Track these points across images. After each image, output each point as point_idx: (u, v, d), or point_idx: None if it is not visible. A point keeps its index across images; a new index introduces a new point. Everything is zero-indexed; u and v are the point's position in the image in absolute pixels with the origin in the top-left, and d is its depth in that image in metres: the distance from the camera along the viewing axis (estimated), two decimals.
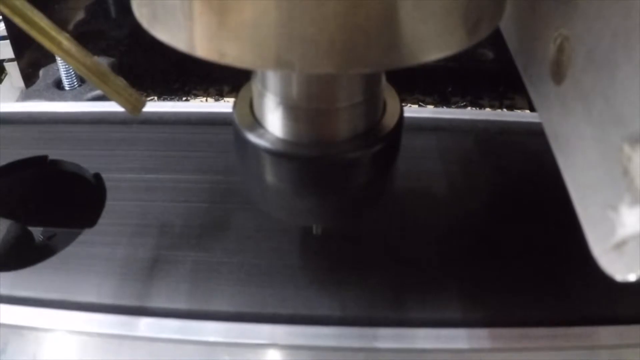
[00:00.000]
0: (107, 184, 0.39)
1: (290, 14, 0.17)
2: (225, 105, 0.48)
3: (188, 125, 0.45)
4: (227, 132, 0.41)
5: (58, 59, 0.57)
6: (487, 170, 0.40)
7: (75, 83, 0.59)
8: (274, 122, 0.26)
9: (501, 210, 0.37)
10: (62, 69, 0.58)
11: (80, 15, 0.68)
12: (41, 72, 0.63)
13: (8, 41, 0.72)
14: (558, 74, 0.22)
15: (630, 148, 0.16)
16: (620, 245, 0.16)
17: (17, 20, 0.26)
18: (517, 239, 0.35)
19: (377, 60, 0.18)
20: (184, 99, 0.71)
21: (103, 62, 0.63)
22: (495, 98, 0.68)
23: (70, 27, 0.67)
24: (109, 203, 0.38)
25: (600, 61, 0.19)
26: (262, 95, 0.26)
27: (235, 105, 0.28)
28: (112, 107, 0.44)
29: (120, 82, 0.30)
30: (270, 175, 0.27)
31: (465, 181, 0.39)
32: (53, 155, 0.42)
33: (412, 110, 0.49)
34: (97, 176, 0.40)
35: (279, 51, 0.18)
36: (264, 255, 0.34)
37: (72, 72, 0.59)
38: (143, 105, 0.31)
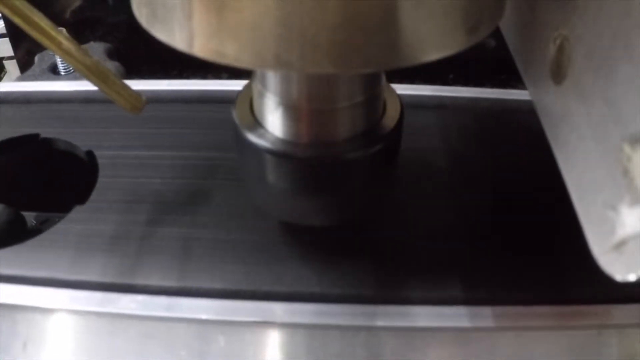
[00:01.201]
0: (100, 162, 0.38)
1: (290, 13, 0.17)
2: (220, 83, 0.47)
3: (183, 103, 0.45)
4: (221, 110, 0.41)
5: None
6: (490, 150, 0.39)
7: (71, 68, 0.59)
8: (274, 122, 0.26)
9: (504, 190, 0.36)
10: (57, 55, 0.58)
11: (77, 2, 0.68)
12: (36, 58, 0.62)
13: (6, 39, 0.72)
14: (558, 74, 0.22)
15: (630, 148, 0.16)
16: (620, 245, 0.16)
17: (17, 20, 0.26)
18: (522, 217, 0.34)
19: (377, 60, 0.18)
20: None
21: (99, 47, 0.63)
22: (497, 86, 0.67)
23: (67, 14, 0.67)
24: (101, 180, 0.37)
25: (600, 61, 0.19)
26: (262, 95, 0.26)
27: (235, 105, 0.28)
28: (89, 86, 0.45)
29: (120, 81, 0.30)
30: (270, 175, 0.27)
31: (466, 162, 0.38)
32: (45, 134, 0.41)
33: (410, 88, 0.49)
34: (90, 153, 0.39)
35: (278, 51, 0.18)
36: (259, 232, 0.33)
37: None
38: (143, 104, 0.31)
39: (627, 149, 0.17)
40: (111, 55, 0.64)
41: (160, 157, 0.39)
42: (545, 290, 0.30)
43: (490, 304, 0.29)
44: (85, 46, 0.63)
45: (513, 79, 0.65)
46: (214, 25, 0.18)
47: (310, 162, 0.26)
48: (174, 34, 0.19)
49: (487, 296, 0.30)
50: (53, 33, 0.27)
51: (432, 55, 0.19)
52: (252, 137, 0.26)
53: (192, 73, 0.70)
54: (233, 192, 0.36)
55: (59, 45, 0.27)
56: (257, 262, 0.32)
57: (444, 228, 0.33)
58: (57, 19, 0.67)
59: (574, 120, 0.21)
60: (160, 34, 0.20)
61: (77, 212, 0.35)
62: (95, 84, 0.29)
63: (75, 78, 0.57)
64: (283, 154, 0.26)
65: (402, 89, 0.39)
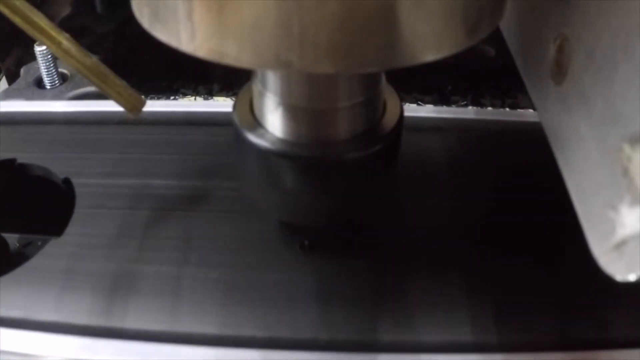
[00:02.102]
0: (77, 190, 0.36)
1: (290, 14, 0.17)
2: (209, 104, 0.45)
3: (167, 126, 0.42)
4: (209, 134, 0.40)
5: (39, 57, 0.56)
6: (492, 174, 0.37)
7: (57, 82, 0.58)
8: (274, 122, 0.26)
9: (512, 230, 0.33)
10: (42, 68, 0.57)
11: (65, 11, 0.66)
12: (22, 70, 0.61)
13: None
14: (558, 74, 0.22)
15: (630, 148, 0.16)
16: (620, 245, 0.16)
17: (17, 21, 0.26)
18: (530, 255, 0.32)
19: (376, 61, 0.18)
20: (172, 97, 0.69)
21: None
22: (497, 97, 0.65)
23: (56, 23, 0.66)
24: (78, 211, 0.35)
25: (600, 61, 0.19)
26: (262, 95, 0.26)
27: (235, 105, 0.28)
28: (86, 107, 0.44)
29: (120, 82, 0.30)
30: (270, 175, 0.27)
31: (469, 188, 0.36)
32: (23, 158, 0.39)
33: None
34: (67, 181, 0.37)
35: (278, 51, 0.18)
36: (244, 270, 0.31)
37: (53, 71, 0.57)
38: (143, 105, 0.32)
39: (627, 149, 0.17)
40: None
41: (140, 186, 0.37)
42: (556, 335, 0.28)
43: (498, 350, 0.28)
44: None
45: (513, 89, 0.64)
46: (214, 25, 0.18)
47: (310, 162, 0.26)
48: (174, 34, 0.19)
49: (493, 342, 0.28)
50: (53, 33, 0.27)
51: (432, 55, 0.19)
52: (252, 137, 0.26)
53: (182, 85, 0.68)
54: (220, 225, 0.34)
55: (59, 45, 0.27)
56: (241, 304, 0.30)
57: (449, 269, 0.31)
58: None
59: (574, 120, 0.21)
60: (161, 34, 0.20)
61: (52, 246, 0.33)
62: (95, 84, 0.29)
63: (61, 92, 0.57)
64: (283, 154, 0.26)
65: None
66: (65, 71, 0.59)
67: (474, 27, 0.19)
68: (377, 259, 0.32)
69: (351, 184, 0.27)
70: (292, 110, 0.25)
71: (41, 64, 0.57)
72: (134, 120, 0.40)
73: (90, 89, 0.58)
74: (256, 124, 0.27)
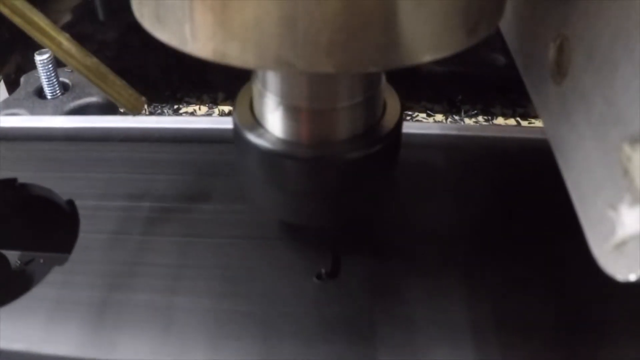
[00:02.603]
0: (81, 212, 0.35)
1: (291, 14, 0.17)
2: (218, 121, 0.42)
3: (175, 143, 0.40)
4: (219, 152, 0.38)
5: (39, 66, 0.55)
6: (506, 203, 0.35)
7: (58, 92, 0.57)
8: (274, 122, 0.26)
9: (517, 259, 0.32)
10: (43, 77, 0.56)
11: (66, 18, 0.65)
12: (22, 79, 0.60)
13: None
14: (558, 74, 0.22)
15: (630, 148, 0.16)
16: (621, 245, 0.16)
17: (17, 21, 0.26)
18: (535, 276, 0.31)
19: (376, 61, 0.18)
20: (175, 106, 0.66)
21: None
22: (507, 106, 0.64)
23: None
24: (82, 236, 0.33)
25: (600, 61, 0.19)
26: (262, 95, 0.26)
27: (235, 105, 0.28)
28: (89, 122, 0.42)
29: (120, 82, 0.30)
30: (270, 175, 0.27)
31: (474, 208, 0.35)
32: (24, 177, 0.37)
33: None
34: (71, 203, 0.36)
35: (279, 51, 0.18)
36: (256, 301, 0.30)
37: (54, 80, 0.56)
38: (143, 105, 0.32)
39: (627, 149, 0.17)
40: None
41: (147, 209, 0.35)
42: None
43: None
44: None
45: (523, 98, 0.63)
46: (214, 25, 0.18)
47: (310, 162, 0.26)
48: (175, 34, 0.19)
49: None
50: (53, 33, 0.27)
51: (432, 55, 0.19)
52: (252, 137, 0.26)
53: (186, 94, 0.67)
54: (231, 253, 0.32)
55: (59, 45, 0.27)
56: (253, 336, 0.28)
57: (456, 293, 0.30)
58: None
59: (574, 120, 0.21)
60: (162, 35, 0.20)
61: (56, 274, 0.31)
62: (95, 84, 0.29)
63: (62, 102, 0.56)
64: (283, 154, 0.26)
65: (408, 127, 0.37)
66: (66, 81, 0.59)
67: (474, 26, 0.19)
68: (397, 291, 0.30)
69: (351, 184, 0.27)
70: (292, 110, 0.25)
71: (42, 74, 0.56)
72: (139, 137, 0.40)
73: (92, 99, 0.57)
74: (256, 124, 0.27)
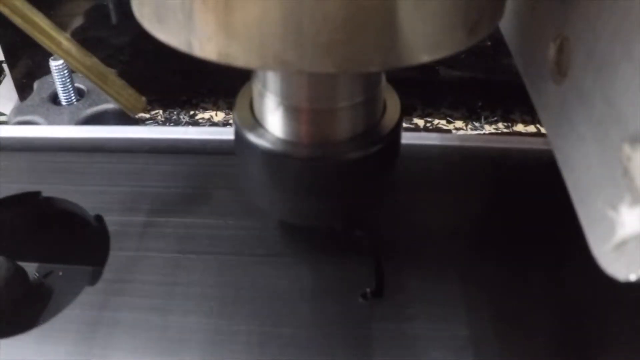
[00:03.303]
0: (110, 228, 0.33)
1: (291, 13, 0.17)
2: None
3: (203, 155, 0.38)
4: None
5: (53, 71, 0.53)
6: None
7: (73, 97, 0.55)
8: (274, 122, 0.26)
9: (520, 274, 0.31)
10: (58, 82, 0.54)
11: (78, 22, 0.63)
12: (35, 85, 0.59)
13: None
14: (558, 74, 0.22)
15: (630, 148, 0.16)
16: (621, 245, 0.16)
17: (17, 20, 0.26)
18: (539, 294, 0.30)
19: (376, 60, 0.18)
20: (191, 112, 0.65)
21: None
22: (527, 112, 0.63)
23: (68, 34, 0.64)
24: (113, 254, 0.32)
25: (600, 61, 0.19)
26: (262, 96, 0.26)
27: (235, 106, 0.28)
28: (113, 132, 0.41)
29: (120, 82, 0.30)
30: (270, 175, 0.27)
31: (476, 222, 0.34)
32: (48, 190, 0.36)
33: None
34: (99, 218, 0.34)
35: (279, 51, 0.18)
36: (287, 323, 0.28)
37: (69, 86, 0.55)
38: (143, 105, 0.32)
39: (627, 149, 0.17)
40: None
41: (176, 225, 0.33)
42: None
43: None
44: None
45: None
46: (215, 25, 0.18)
47: (310, 162, 0.26)
48: (175, 34, 0.19)
49: None
50: (53, 33, 0.27)
51: (432, 55, 0.19)
52: (252, 137, 0.26)
53: (202, 99, 0.65)
54: (266, 272, 0.31)
55: (59, 45, 0.27)
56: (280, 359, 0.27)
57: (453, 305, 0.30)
58: None
59: (574, 120, 0.21)
60: (161, 35, 0.20)
61: (87, 295, 0.30)
62: (95, 84, 0.29)
63: (78, 109, 0.54)
64: (283, 154, 0.26)
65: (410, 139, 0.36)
66: (81, 86, 0.57)
67: (474, 27, 0.19)
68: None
69: (351, 184, 0.27)
70: (292, 110, 0.25)
71: (57, 80, 0.54)
72: (166, 148, 0.38)
73: (109, 106, 0.55)
74: (256, 124, 0.27)
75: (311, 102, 0.25)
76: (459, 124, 0.62)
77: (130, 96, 0.31)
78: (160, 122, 0.64)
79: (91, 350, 0.28)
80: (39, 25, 0.26)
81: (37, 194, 0.36)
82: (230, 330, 0.28)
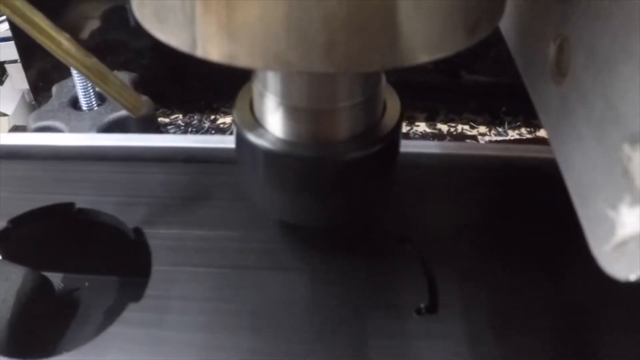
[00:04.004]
0: (151, 243, 0.32)
1: (291, 13, 0.17)
2: None
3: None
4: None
5: (74, 74, 0.52)
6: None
7: (94, 102, 0.54)
8: (274, 122, 0.26)
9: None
10: (79, 87, 0.53)
11: (95, 24, 0.61)
12: (54, 89, 0.57)
13: (8, 42, 0.70)
14: (558, 74, 0.22)
15: (630, 148, 0.16)
16: (621, 245, 0.16)
17: (17, 20, 0.26)
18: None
19: (376, 60, 0.18)
20: (212, 117, 0.64)
21: (125, 77, 0.57)
22: None
23: (85, 36, 0.61)
24: (156, 269, 0.31)
25: (600, 61, 0.19)
26: (262, 96, 0.26)
27: (235, 106, 0.28)
28: (146, 141, 0.39)
29: (120, 82, 0.30)
30: (270, 175, 0.27)
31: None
32: (80, 201, 0.35)
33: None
34: (138, 231, 0.33)
35: (278, 51, 0.18)
36: (357, 340, 0.27)
37: (91, 91, 0.53)
38: (143, 105, 0.32)
39: (627, 149, 0.17)
40: (138, 86, 0.57)
41: (221, 239, 0.32)
42: None
43: None
44: None
45: None
46: (215, 25, 0.18)
47: (310, 162, 0.26)
48: (175, 34, 0.19)
49: None
50: (53, 33, 0.27)
51: (432, 55, 0.19)
52: (252, 137, 0.26)
53: (222, 104, 0.64)
54: (319, 286, 0.30)
55: (59, 45, 0.27)
56: None
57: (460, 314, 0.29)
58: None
59: (574, 120, 0.21)
60: (161, 35, 0.20)
61: (132, 312, 0.29)
62: (95, 84, 0.29)
63: (100, 114, 0.53)
64: (283, 154, 0.26)
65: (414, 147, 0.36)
66: (102, 90, 0.56)
67: (474, 26, 0.19)
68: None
69: (351, 184, 0.27)
70: (292, 111, 0.25)
71: (78, 84, 0.53)
72: (205, 157, 0.37)
73: None
74: (256, 124, 0.27)
75: (311, 102, 0.25)
76: (482, 129, 0.62)
77: (130, 96, 0.31)
78: (182, 127, 0.63)
79: None
80: (39, 25, 0.26)
81: (70, 205, 0.35)
82: (280, 350, 0.28)
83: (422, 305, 0.29)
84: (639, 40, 0.16)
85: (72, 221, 0.35)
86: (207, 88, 0.63)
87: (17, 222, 0.34)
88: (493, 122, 0.63)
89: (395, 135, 0.27)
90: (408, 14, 0.18)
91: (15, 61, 0.72)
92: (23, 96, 0.77)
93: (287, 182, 0.27)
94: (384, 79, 0.27)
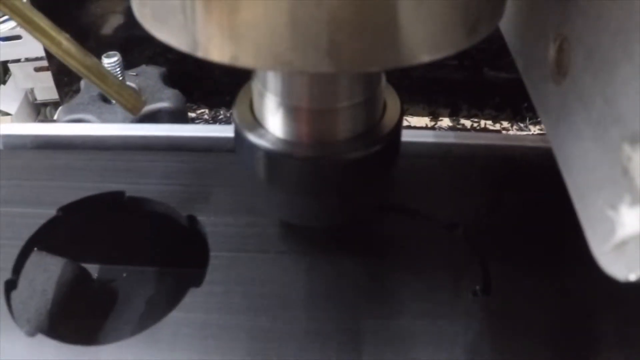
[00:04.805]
0: (208, 230, 0.33)
1: (291, 14, 0.17)
2: None
3: None
4: None
5: (105, 66, 0.54)
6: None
7: None
8: (274, 122, 0.26)
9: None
10: None
11: (121, 19, 0.61)
12: (83, 83, 0.58)
13: (11, 42, 0.70)
14: (558, 74, 0.22)
15: (630, 148, 0.16)
16: (621, 245, 0.16)
17: (17, 20, 0.26)
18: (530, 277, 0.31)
19: (376, 60, 0.18)
20: None
21: (153, 72, 0.58)
22: None
23: (111, 31, 0.61)
24: (214, 254, 0.31)
25: (600, 61, 0.19)
26: (262, 96, 0.26)
27: (235, 106, 0.28)
28: (195, 132, 0.40)
29: (120, 81, 0.30)
30: (270, 175, 0.27)
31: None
32: (129, 190, 0.35)
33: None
34: (192, 219, 0.33)
35: (278, 51, 0.18)
36: (417, 320, 0.28)
37: None
38: (143, 105, 0.32)
39: (627, 148, 0.17)
40: (166, 80, 0.58)
41: (273, 224, 0.33)
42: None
43: None
44: (137, 70, 0.58)
45: None
46: (215, 26, 0.18)
47: (310, 162, 0.26)
48: (175, 34, 0.19)
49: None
50: (53, 33, 0.27)
51: (432, 55, 0.19)
52: (252, 137, 0.26)
53: None
54: (377, 269, 0.30)
55: (59, 45, 0.27)
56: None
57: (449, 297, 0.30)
58: (98, 39, 0.61)
59: (574, 120, 0.21)
60: (161, 35, 0.20)
61: (192, 296, 0.30)
62: (95, 84, 0.29)
63: (123, 111, 0.53)
64: (283, 154, 0.26)
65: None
66: (132, 85, 0.56)
67: (474, 26, 0.19)
68: None
69: (351, 184, 0.27)
70: (292, 111, 0.25)
71: None
72: None
73: (164, 104, 0.55)
74: (256, 124, 0.27)
75: (311, 102, 0.25)
76: (505, 124, 0.63)
77: (130, 96, 0.31)
78: (210, 122, 0.64)
79: (207, 351, 0.27)
80: (39, 25, 0.26)
81: (120, 193, 0.35)
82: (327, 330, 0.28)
83: (477, 287, 0.30)
84: (639, 40, 0.16)
85: (121, 211, 0.36)
86: (232, 83, 0.64)
87: (67, 211, 0.34)
88: (515, 117, 0.64)
89: (395, 135, 0.27)
90: (408, 14, 0.18)
91: (18, 60, 0.72)
92: (26, 95, 0.77)
93: (287, 182, 0.27)
94: (384, 79, 0.27)
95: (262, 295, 0.30)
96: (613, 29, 0.18)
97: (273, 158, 0.26)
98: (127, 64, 0.55)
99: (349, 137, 0.26)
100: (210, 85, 0.64)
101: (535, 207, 0.35)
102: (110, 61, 0.53)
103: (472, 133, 0.55)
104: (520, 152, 0.39)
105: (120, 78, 0.54)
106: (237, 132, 0.27)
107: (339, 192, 0.28)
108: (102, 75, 0.29)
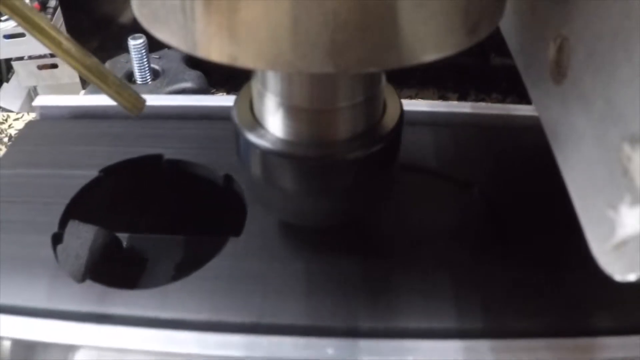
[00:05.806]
0: (244, 186, 0.34)
1: (291, 14, 0.17)
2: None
3: None
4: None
5: (132, 50, 0.54)
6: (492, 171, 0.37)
7: (149, 77, 0.56)
8: (274, 122, 0.26)
9: (503, 215, 0.34)
10: (135, 61, 0.55)
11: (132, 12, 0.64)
12: (107, 65, 0.59)
13: (14, 40, 0.70)
14: (558, 74, 0.22)
15: (630, 148, 0.16)
16: (620, 245, 0.16)
17: (17, 20, 0.26)
18: (519, 244, 0.32)
19: (376, 60, 0.18)
20: None
21: (176, 55, 0.59)
22: None
23: (128, 17, 0.61)
24: (252, 207, 0.33)
25: (600, 61, 0.19)
26: (262, 96, 0.26)
27: (235, 105, 0.28)
28: (220, 101, 0.41)
29: (119, 81, 0.30)
30: (270, 175, 0.27)
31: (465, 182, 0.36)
32: (166, 154, 0.37)
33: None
34: (228, 178, 0.35)
35: (280, 51, 0.18)
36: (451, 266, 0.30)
37: (146, 65, 0.55)
38: (143, 104, 0.32)
39: (627, 149, 0.17)
40: (188, 63, 0.59)
41: None
42: (540, 323, 0.28)
43: (483, 337, 0.27)
44: (160, 53, 0.59)
45: None
46: (215, 26, 0.18)
47: (310, 162, 0.26)
48: (175, 34, 0.19)
49: (480, 329, 0.28)
50: (53, 33, 0.27)
51: (432, 55, 0.19)
52: (252, 137, 0.26)
53: None
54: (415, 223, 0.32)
55: (59, 45, 0.27)
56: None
57: (439, 252, 0.32)
58: (123, 23, 0.62)
59: (574, 120, 0.21)
60: (161, 34, 0.20)
61: (234, 245, 0.31)
62: (95, 84, 0.29)
63: (156, 87, 0.54)
64: (283, 154, 0.26)
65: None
66: (156, 67, 0.58)
67: (474, 26, 0.19)
68: None
69: (351, 184, 0.27)
70: (292, 111, 0.25)
71: (134, 59, 0.55)
72: None
73: (187, 84, 0.56)
74: (256, 124, 0.27)
75: (311, 102, 0.25)
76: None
77: (130, 96, 0.31)
78: None
79: (247, 296, 0.29)
80: (39, 25, 0.26)
81: (159, 156, 0.37)
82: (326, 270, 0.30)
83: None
84: (639, 40, 0.16)
85: (159, 173, 0.37)
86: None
87: (108, 172, 0.36)
88: (521, 102, 0.66)
89: (395, 135, 0.27)
90: (408, 15, 0.18)
91: (21, 58, 0.72)
92: (29, 93, 0.77)
93: (287, 182, 0.27)
94: (384, 79, 0.27)
95: (300, 244, 0.31)
96: (613, 29, 0.18)
97: (273, 158, 0.26)
98: (151, 47, 0.57)
99: (349, 137, 0.26)
100: (228, 70, 0.65)
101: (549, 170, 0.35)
102: (136, 43, 0.54)
103: (484, 103, 0.58)
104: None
105: (146, 59, 0.56)
106: (237, 132, 0.27)
107: (339, 192, 0.28)
108: (102, 75, 0.29)
